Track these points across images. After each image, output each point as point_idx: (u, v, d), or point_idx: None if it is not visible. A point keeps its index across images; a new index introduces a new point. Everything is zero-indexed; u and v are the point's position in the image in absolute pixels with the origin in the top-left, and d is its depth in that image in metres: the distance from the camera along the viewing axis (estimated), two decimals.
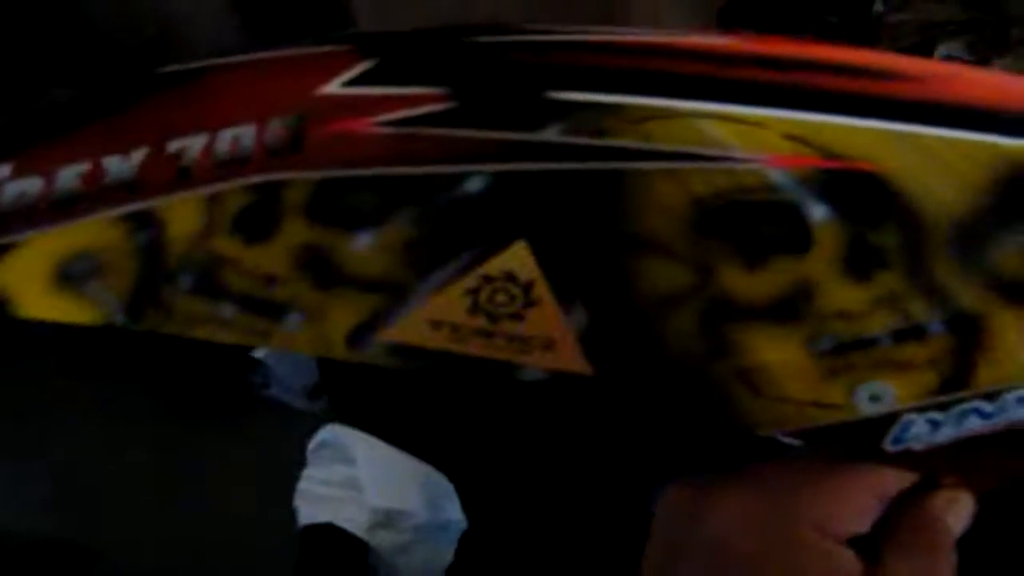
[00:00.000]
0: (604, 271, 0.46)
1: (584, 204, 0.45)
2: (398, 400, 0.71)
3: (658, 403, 0.49)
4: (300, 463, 1.14)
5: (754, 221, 0.45)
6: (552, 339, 0.47)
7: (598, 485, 0.58)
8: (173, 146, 0.46)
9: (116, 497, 1.40)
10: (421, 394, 0.64)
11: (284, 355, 1.28)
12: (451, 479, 0.82)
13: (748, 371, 0.47)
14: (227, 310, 0.48)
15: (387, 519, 1.07)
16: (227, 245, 0.47)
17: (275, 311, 0.48)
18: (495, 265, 0.46)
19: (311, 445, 1.13)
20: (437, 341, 0.47)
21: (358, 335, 0.48)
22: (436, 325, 0.47)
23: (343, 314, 0.47)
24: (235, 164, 0.46)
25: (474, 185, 0.45)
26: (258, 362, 1.32)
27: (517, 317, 0.47)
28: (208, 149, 0.46)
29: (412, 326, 0.47)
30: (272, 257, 0.47)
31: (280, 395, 1.33)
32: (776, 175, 0.44)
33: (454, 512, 1.02)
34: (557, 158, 0.44)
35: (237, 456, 1.35)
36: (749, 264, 0.45)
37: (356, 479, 1.06)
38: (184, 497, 1.36)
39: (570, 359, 0.47)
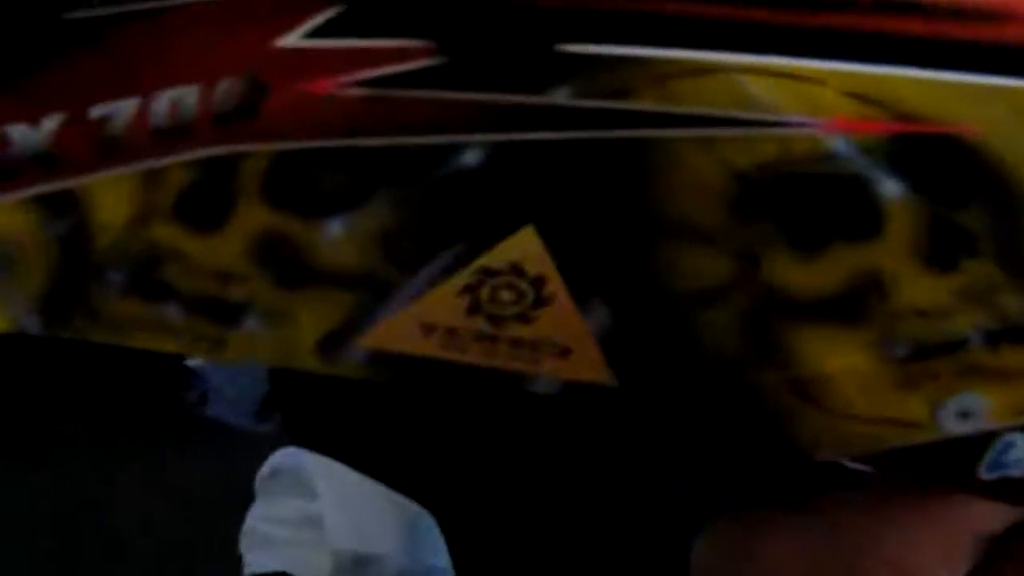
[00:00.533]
0: (628, 262, 0.43)
1: (603, 181, 0.42)
2: (370, 418, 0.62)
3: (694, 421, 0.46)
4: (247, 496, 0.99)
5: (809, 199, 0.41)
6: (567, 344, 0.43)
7: (619, 523, 0.51)
8: (96, 112, 0.42)
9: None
10: (400, 411, 0.57)
11: (225, 365, 1.12)
12: (434, 516, 0.70)
13: (805, 382, 0.43)
14: (170, 313, 0.44)
15: (355, 566, 0.94)
16: (169, 234, 0.43)
17: (229, 314, 0.44)
18: (497, 256, 0.42)
19: (261, 474, 0.97)
20: (428, 348, 0.44)
21: (331, 342, 0.44)
22: (427, 330, 0.43)
23: (312, 317, 0.44)
24: (175, 134, 0.42)
25: (469, 159, 0.41)
26: (192, 373, 1.18)
27: (525, 319, 0.43)
28: (141, 116, 0.42)
29: (397, 331, 0.44)
30: (224, 248, 0.43)
31: (220, 413, 1.17)
32: (836, 142, 0.40)
33: (437, 557, 0.90)
34: (569, 125, 0.41)
35: (161, 491, 1.23)
36: (804, 252, 0.41)
37: (317, 516, 0.92)
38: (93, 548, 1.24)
39: (589, 368, 0.44)
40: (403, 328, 0.43)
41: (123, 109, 0.41)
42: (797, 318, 0.42)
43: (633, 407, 0.45)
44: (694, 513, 0.48)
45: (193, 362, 1.11)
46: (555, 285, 0.42)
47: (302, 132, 0.41)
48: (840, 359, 0.42)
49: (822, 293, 0.42)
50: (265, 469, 0.93)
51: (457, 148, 0.41)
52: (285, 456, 0.92)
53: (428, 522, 0.79)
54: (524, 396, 0.44)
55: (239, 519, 0.96)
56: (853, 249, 0.41)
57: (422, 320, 0.43)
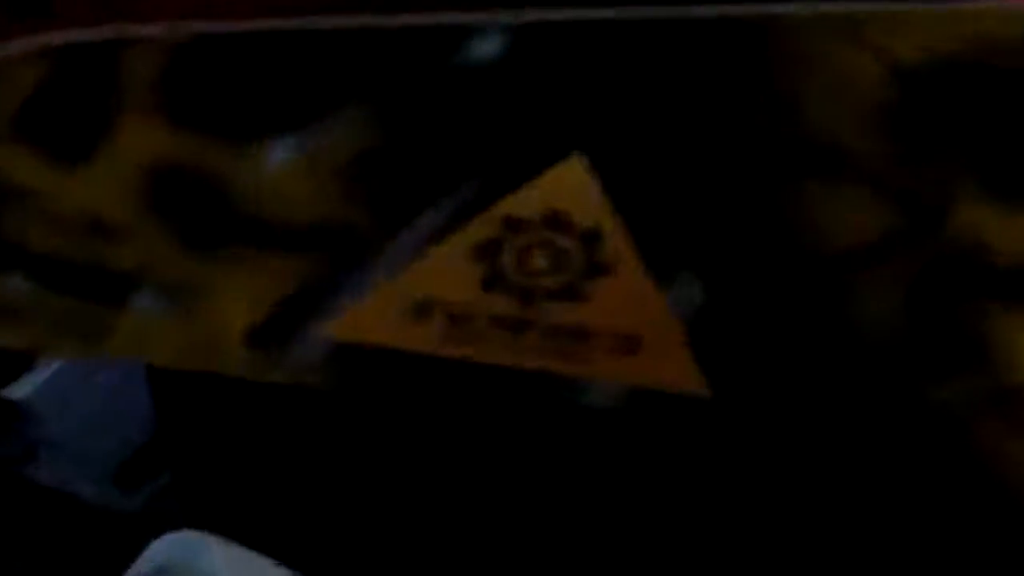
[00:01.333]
0: (736, 210, 0.34)
1: (697, 85, 0.33)
2: (311, 475, 0.47)
3: (837, 461, 0.36)
4: None
5: (1014, 108, 0.32)
6: (636, 333, 0.35)
7: None
8: None
9: None
10: (357, 462, 0.44)
11: (68, 397, 0.79)
12: None
13: (1013, 395, 0.34)
14: (17, 286, 0.36)
15: None
16: (11, 163, 0.34)
17: (111, 288, 0.35)
18: (528, 200, 0.34)
19: (138, 571, 0.64)
20: (423, 341, 0.35)
21: (270, 331, 0.36)
22: (421, 312, 0.35)
23: (240, 293, 0.35)
24: (19, 7, 0.33)
25: (482, 49, 0.33)
26: (17, 412, 0.81)
27: (571, 294, 0.34)
28: None
29: (374, 314, 0.35)
30: (98, 187, 0.34)
31: (59, 478, 0.83)
32: None
33: None
34: None
35: None
36: (1007, 196, 0.33)
37: None
38: None
39: (669, 370, 0.35)
40: (384, 311, 0.36)
41: None
42: (999, 297, 0.34)
43: (736, 431, 0.35)
44: None
45: (18, 392, 0.76)
46: (617, 244, 0.34)
47: (225, 6, 0.33)
48: None
49: None
50: (143, 566, 0.60)
51: (465, 32, 0.33)
52: (170, 548, 0.59)
53: None
54: (568, 412, 0.35)
55: None
56: None
57: (414, 299, 0.35)
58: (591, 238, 0.34)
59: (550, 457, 0.41)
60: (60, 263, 0.35)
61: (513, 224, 0.34)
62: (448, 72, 0.33)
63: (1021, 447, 0.35)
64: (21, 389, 0.70)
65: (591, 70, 0.33)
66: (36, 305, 0.35)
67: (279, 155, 0.34)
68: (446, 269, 0.35)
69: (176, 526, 0.55)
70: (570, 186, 0.34)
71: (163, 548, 0.54)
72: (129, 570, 0.56)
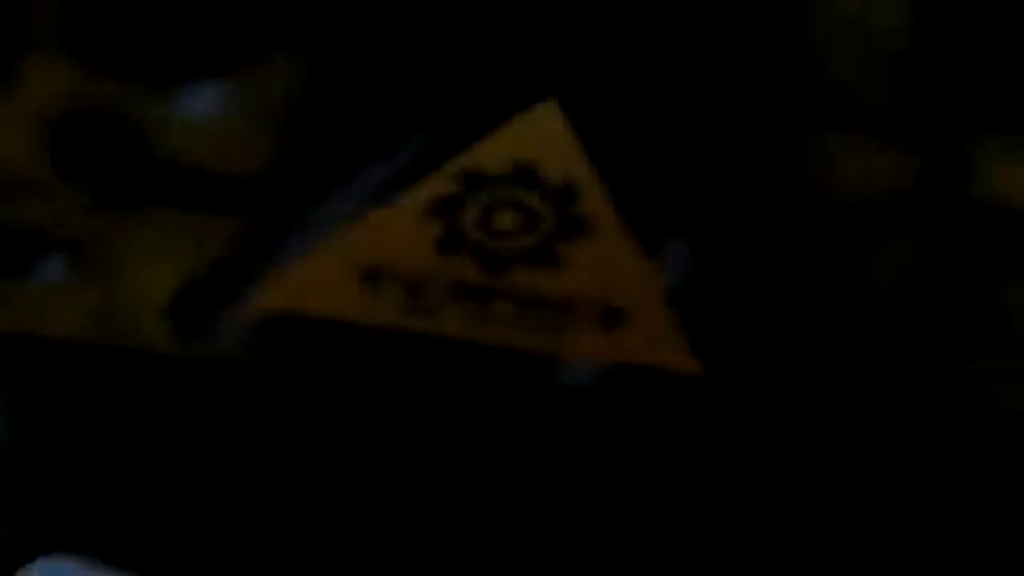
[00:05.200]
0: (734, 163, 0.33)
1: (688, 17, 0.32)
2: (213, 481, 0.44)
3: (846, 444, 0.34)
4: None
5: None
6: (617, 304, 0.33)
7: None
8: None
9: None
10: (274, 461, 0.41)
11: None
12: None
13: None
14: None
15: None
16: None
17: (12, 251, 0.34)
18: (493, 151, 0.32)
19: None
20: (372, 311, 0.33)
21: (195, 301, 0.33)
22: (370, 278, 0.33)
23: (162, 258, 0.33)
24: None
25: None
26: None
27: (543, 258, 0.33)
28: None
29: (316, 280, 0.33)
30: (9, 133, 0.33)
31: None
32: None
33: None
34: None
35: None
36: None
37: None
38: None
39: (655, 345, 0.34)
40: (327, 276, 0.33)
41: None
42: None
43: (728, 412, 0.34)
44: None
45: None
46: (594, 202, 0.32)
47: None
48: None
49: None
50: None
51: None
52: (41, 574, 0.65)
53: None
54: (541, 393, 0.34)
55: None
56: None
57: (361, 262, 0.33)
58: (564, 194, 0.33)
59: (521, 443, 0.39)
60: None
61: (474, 180, 0.33)
62: (397, 2, 0.31)
63: None
64: None
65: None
66: None
67: (204, 102, 0.32)
68: (397, 229, 0.33)
69: (50, 550, 0.52)
70: (541, 136, 0.33)
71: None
72: None
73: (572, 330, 0.34)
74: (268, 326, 0.34)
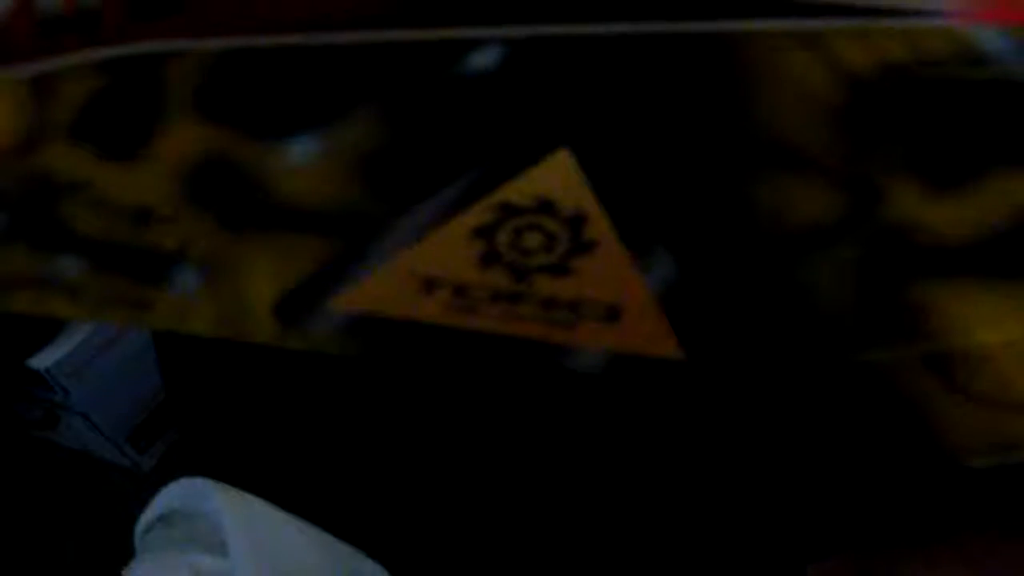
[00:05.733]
0: (701, 196, 0.36)
1: (669, 90, 0.35)
2: (312, 423, 0.50)
3: (792, 413, 0.39)
4: (120, 555, 0.74)
5: (948, 114, 0.34)
6: (617, 304, 0.38)
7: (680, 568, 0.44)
8: None
9: None
10: (357, 411, 0.46)
11: (86, 368, 0.81)
12: (390, 570, 0.53)
13: (947, 359, 0.37)
14: (69, 266, 0.39)
15: None
16: (67, 160, 0.37)
17: (154, 267, 0.39)
18: (521, 188, 0.36)
19: (144, 519, 0.66)
20: (428, 312, 0.38)
21: (294, 304, 0.39)
22: (427, 286, 0.38)
23: (268, 270, 0.39)
24: (75, 27, 0.36)
25: (481, 59, 0.35)
26: (40, 381, 0.82)
27: (559, 271, 0.37)
28: (24, 3, 0.36)
29: (386, 288, 0.38)
30: (145, 178, 0.37)
31: (77, 440, 0.88)
32: (985, 36, 0.34)
33: None
34: (618, 15, 0.35)
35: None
36: (943, 184, 0.35)
37: None
38: None
39: (646, 336, 0.38)
40: (393, 285, 0.38)
41: None
42: (934, 272, 0.36)
43: (706, 390, 0.39)
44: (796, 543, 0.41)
45: (41, 363, 0.78)
46: (599, 226, 0.37)
47: (252, 24, 0.36)
48: (995, 328, 0.37)
49: (969, 238, 0.35)
50: (149, 513, 0.64)
51: (467, 45, 0.36)
52: (178, 494, 0.63)
53: None
54: (557, 375, 0.39)
55: None
56: (1011, 181, 0.35)
57: (420, 274, 0.38)
58: (576, 222, 0.37)
59: (540, 414, 0.44)
60: (109, 245, 0.38)
61: (508, 208, 0.37)
62: (450, 80, 0.36)
63: (946, 396, 0.37)
64: (43, 360, 0.72)
65: (576, 77, 0.36)
66: (88, 282, 0.39)
67: (300, 151, 0.37)
68: (448, 248, 0.38)
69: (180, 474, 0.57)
70: (558, 177, 0.37)
71: (170, 494, 0.61)
72: (137, 521, 0.58)
73: (579, 325, 0.39)
74: (350, 324, 0.39)
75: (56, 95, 0.37)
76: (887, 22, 0.35)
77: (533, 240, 0.38)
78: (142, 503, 0.73)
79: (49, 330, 0.68)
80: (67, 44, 0.37)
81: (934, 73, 0.35)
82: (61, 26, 0.36)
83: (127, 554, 0.67)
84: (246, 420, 0.52)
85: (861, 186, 0.36)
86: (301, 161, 0.38)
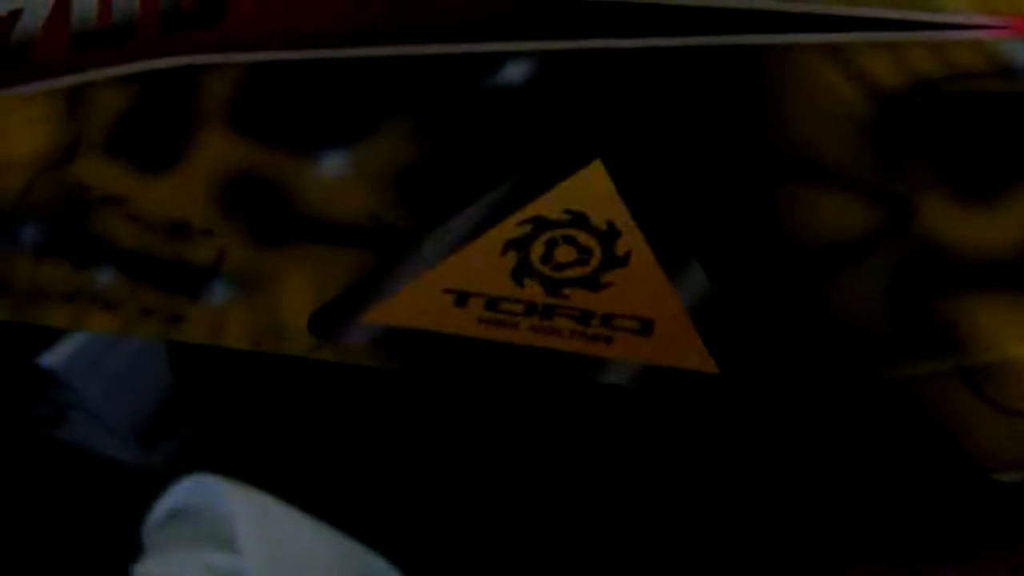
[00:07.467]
0: (732, 210, 0.37)
1: (700, 104, 0.37)
2: (327, 424, 0.50)
3: (823, 425, 0.40)
4: (130, 551, 0.68)
5: (979, 128, 0.35)
6: (650, 317, 0.38)
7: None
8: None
9: None
10: (378, 413, 0.47)
11: (96, 365, 0.79)
12: (403, 570, 0.53)
13: (980, 372, 0.37)
14: (105, 279, 0.39)
15: None
16: (102, 174, 0.38)
17: (189, 280, 0.39)
18: (554, 202, 0.37)
19: (154, 516, 0.65)
20: (461, 325, 0.38)
21: (329, 317, 0.39)
22: (460, 300, 0.38)
23: (303, 284, 0.39)
24: (108, 40, 0.37)
25: (513, 73, 0.37)
26: (49, 378, 0.80)
27: (592, 284, 0.38)
28: (58, 16, 0.37)
29: (419, 302, 0.38)
30: (180, 193, 0.38)
31: (86, 438, 0.84)
32: (1016, 49, 0.35)
33: None
34: (651, 29, 0.36)
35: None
36: (975, 198, 0.36)
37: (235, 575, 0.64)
38: None
39: (678, 350, 0.38)
40: (427, 298, 0.39)
41: (30, 6, 0.38)
42: (967, 286, 0.37)
43: (738, 403, 0.39)
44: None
45: (51, 360, 0.76)
46: (632, 240, 0.37)
47: (285, 38, 0.37)
48: None
49: (1002, 253, 0.36)
50: (159, 511, 0.63)
51: (497, 59, 0.37)
52: (188, 491, 0.62)
53: None
54: (589, 388, 0.39)
55: None
56: None
57: (453, 287, 0.38)
58: (609, 235, 0.38)
59: (574, 428, 0.45)
60: (144, 258, 0.39)
61: (541, 222, 0.38)
62: (482, 93, 0.36)
63: (979, 409, 0.38)
64: (52, 358, 0.73)
65: (608, 90, 0.37)
66: (123, 295, 0.39)
67: (333, 164, 0.38)
68: (481, 262, 0.38)
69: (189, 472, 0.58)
70: (591, 190, 0.37)
71: (181, 491, 0.60)
72: (147, 518, 0.59)
73: (612, 339, 0.39)
74: (384, 336, 0.39)
75: (91, 109, 0.38)
76: (916, 35, 0.35)
77: (566, 253, 0.38)
78: (152, 501, 0.71)
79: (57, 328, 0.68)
80: (102, 58, 0.37)
81: (964, 86, 0.35)
82: (95, 40, 0.37)
83: (137, 552, 0.68)
84: (257, 418, 0.53)
85: (893, 200, 0.36)
86: (334, 175, 0.38)
